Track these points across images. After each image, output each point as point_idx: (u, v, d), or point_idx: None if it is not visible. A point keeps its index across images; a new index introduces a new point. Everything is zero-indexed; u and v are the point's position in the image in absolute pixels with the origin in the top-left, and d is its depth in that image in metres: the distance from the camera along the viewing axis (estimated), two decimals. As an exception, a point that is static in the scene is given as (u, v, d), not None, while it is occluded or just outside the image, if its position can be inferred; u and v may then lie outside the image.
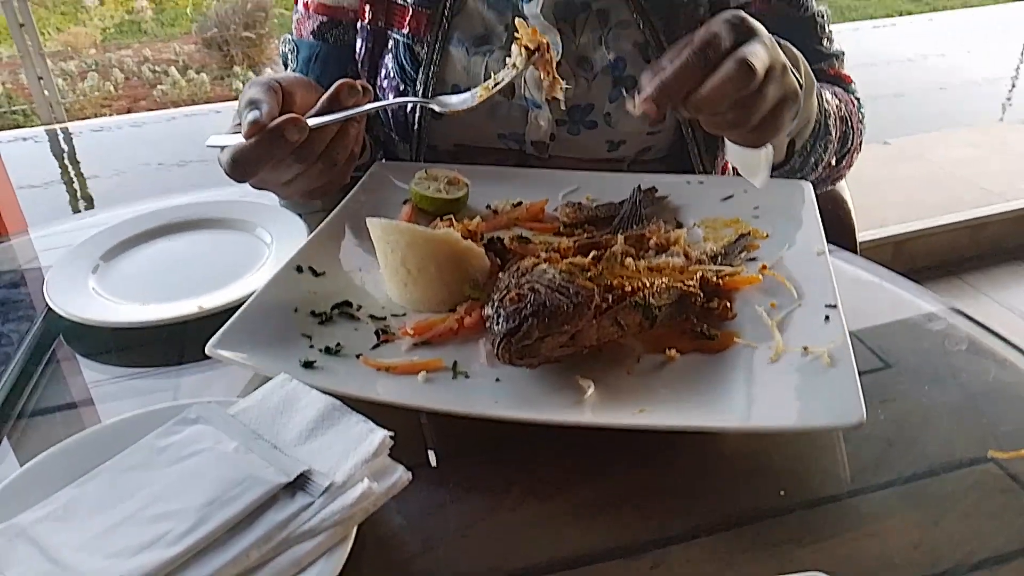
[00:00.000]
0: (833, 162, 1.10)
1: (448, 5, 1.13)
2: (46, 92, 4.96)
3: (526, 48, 0.91)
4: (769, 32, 0.85)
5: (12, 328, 0.91)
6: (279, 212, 1.08)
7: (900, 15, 7.64)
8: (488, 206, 1.03)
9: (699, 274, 0.82)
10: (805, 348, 0.72)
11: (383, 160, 1.29)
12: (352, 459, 0.60)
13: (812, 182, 1.04)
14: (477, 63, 1.12)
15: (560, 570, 0.60)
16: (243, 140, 0.85)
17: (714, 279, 0.82)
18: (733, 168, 1.25)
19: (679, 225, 0.97)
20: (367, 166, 1.12)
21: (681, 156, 1.17)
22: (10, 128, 5.36)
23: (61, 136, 4.90)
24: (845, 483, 0.66)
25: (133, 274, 0.99)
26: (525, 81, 1.11)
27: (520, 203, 1.02)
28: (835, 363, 0.69)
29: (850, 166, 1.20)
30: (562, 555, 0.61)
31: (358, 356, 0.76)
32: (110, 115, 5.71)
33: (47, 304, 0.90)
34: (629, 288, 0.75)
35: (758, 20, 0.83)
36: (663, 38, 1.09)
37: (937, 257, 3.30)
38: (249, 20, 6.37)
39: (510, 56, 0.95)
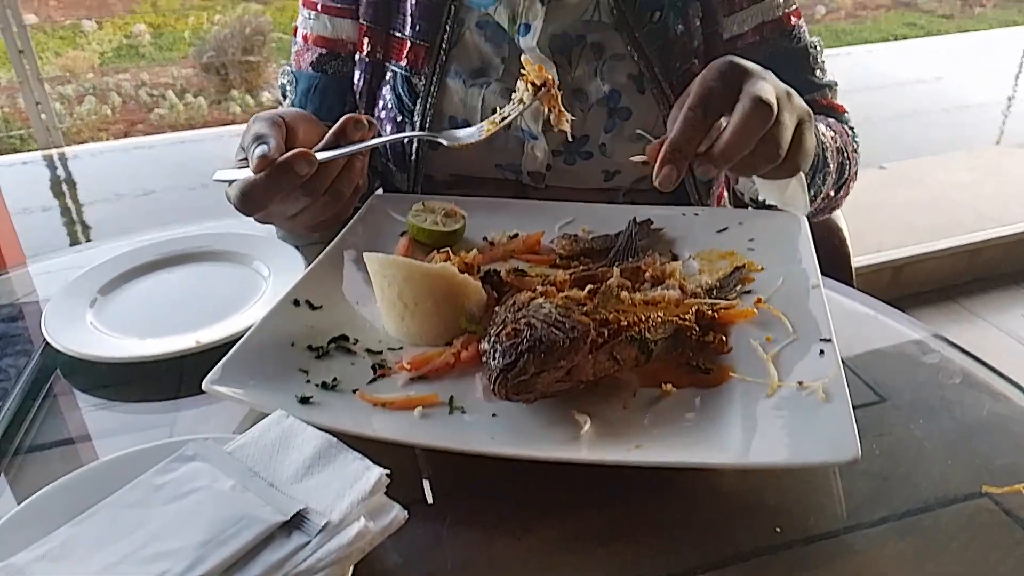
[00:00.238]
0: (832, 193, 1.11)
1: (446, 38, 1.14)
2: (43, 116, 4.97)
3: (532, 84, 0.92)
4: (762, 63, 0.86)
5: (10, 363, 0.92)
6: (276, 244, 1.09)
7: (895, 39, 7.69)
8: (485, 238, 1.04)
9: (695, 307, 0.82)
10: (800, 383, 0.72)
11: (381, 189, 1.30)
12: (348, 497, 0.60)
13: (811, 214, 1.05)
14: (474, 95, 1.14)
15: (556, 608, 0.60)
16: (252, 174, 0.86)
17: (709, 313, 0.82)
18: (731, 198, 1.26)
19: (675, 257, 0.97)
20: (366, 196, 1.13)
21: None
22: (7, 152, 5.37)
23: (58, 160, 4.91)
24: (841, 519, 0.66)
25: (131, 308, 0.99)
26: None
27: (516, 235, 1.03)
28: (830, 398, 0.69)
29: (847, 195, 1.21)
30: (558, 593, 0.61)
31: (355, 391, 0.76)
32: (107, 139, 5.73)
33: (45, 339, 0.90)
34: (625, 322, 0.76)
35: (751, 52, 0.85)
36: (657, 70, 1.10)
37: (935, 281, 3.31)
38: (247, 44, 6.40)
39: (515, 91, 0.96)
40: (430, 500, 0.70)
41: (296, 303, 0.88)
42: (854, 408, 0.67)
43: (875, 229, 3.40)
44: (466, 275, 0.85)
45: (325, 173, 0.89)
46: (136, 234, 1.16)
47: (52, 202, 4.45)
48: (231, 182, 0.89)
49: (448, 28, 1.14)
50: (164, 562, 0.57)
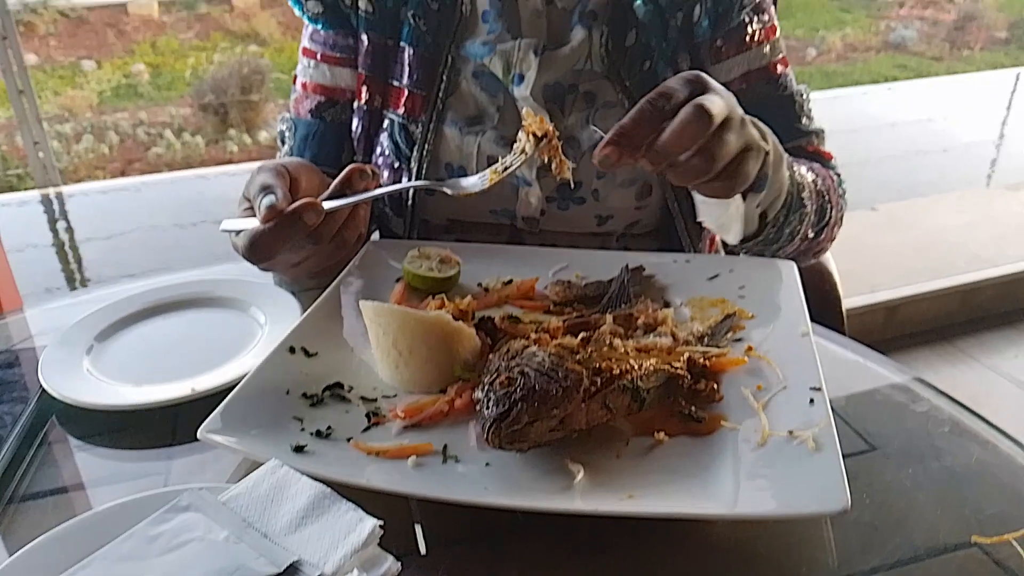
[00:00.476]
0: (811, 235, 1.12)
1: (442, 87, 1.16)
2: (41, 155, 5.00)
3: (534, 135, 0.94)
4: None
5: (5, 410, 0.92)
6: (273, 291, 1.09)
7: (886, 81, 7.79)
8: (479, 284, 1.05)
9: (686, 355, 0.83)
10: (791, 432, 0.72)
11: (377, 233, 1.31)
12: (342, 549, 0.61)
13: (792, 255, 1.06)
14: (470, 142, 1.15)
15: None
16: (260, 224, 0.88)
17: (701, 360, 0.83)
18: (713, 240, 1.28)
19: (666, 304, 0.98)
20: (363, 240, 1.14)
21: (668, 231, 1.20)
22: (5, 191, 5.40)
23: (55, 199, 4.93)
24: (832, 569, 0.67)
25: (127, 354, 1.00)
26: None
27: (511, 281, 1.04)
28: (820, 448, 0.70)
29: (831, 240, 1.22)
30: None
31: (349, 439, 0.77)
32: (104, 177, 5.75)
33: (41, 386, 0.91)
34: (618, 370, 0.76)
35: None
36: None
37: (928, 322, 3.32)
38: (245, 84, 6.46)
39: (516, 141, 0.98)
40: (423, 550, 0.70)
41: (292, 350, 0.89)
42: (844, 457, 0.67)
43: (868, 270, 3.43)
44: (460, 322, 0.86)
45: (331, 221, 0.91)
46: (133, 279, 1.17)
47: (49, 240, 4.47)
48: (238, 232, 0.91)
49: (445, 78, 1.16)
50: (157, 614, 0.57)
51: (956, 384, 2.97)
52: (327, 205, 0.89)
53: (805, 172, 1.09)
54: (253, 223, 0.89)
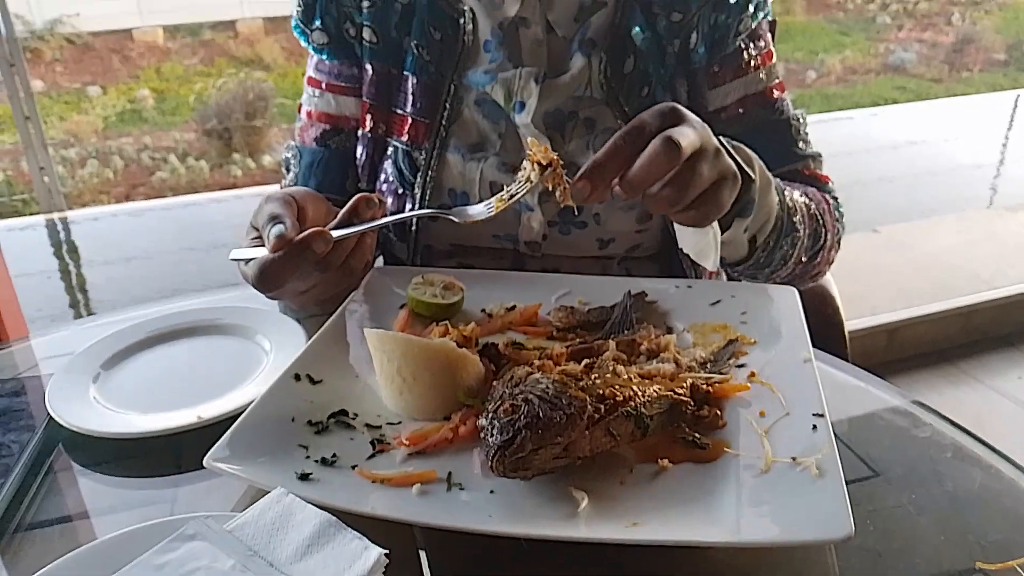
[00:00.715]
0: (805, 258, 1.13)
1: (445, 115, 1.18)
2: (46, 179, 5.03)
3: (539, 164, 0.95)
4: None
5: (13, 439, 0.92)
6: (278, 318, 1.10)
7: (886, 103, 7.82)
8: (483, 310, 1.05)
9: (689, 381, 0.83)
10: (794, 459, 0.73)
11: (381, 259, 1.32)
12: (347, 578, 0.61)
13: (787, 279, 1.06)
14: (472, 169, 1.17)
15: None
16: (269, 253, 0.89)
17: (704, 386, 0.84)
18: (705, 269, 1.28)
19: (669, 330, 0.99)
20: (369, 267, 1.14)
21: (670, 254, 1.21)
22: (10, 215, 5.42)
23: (59, 224, 4.95)
24: (836, 597, 0.67)
25: (134, 382, 1.00)
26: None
27: (514, 307, 1.05)
28: (823, 474, 0.70)
29: (828, 263, 1.23)
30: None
31: (353, 467, 0.77)
32: (108, 202, 5.78)
33: (48, 414, 0.91)
34: (621, 397, 0.77)
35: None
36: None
37: (930, 344, 3.32)
38: (250, 109, 6.51)
39: (521, 170, 0.98)
40: (428, 578, 0.71)
41: (297, 377, 0.89)
42: (847, 483, 0.68)
43: (869, 292, 3.43)
44: (464, 349, 0.86)
45: (339, 250, 0.93)
46: (138, 306, 1.18)
47: (54, 265, 4.48)
48: (247, 260, 0.92)
49: (448, 105, 1.18)
50: (164, 644, 0.58)
51: (959, 406, 2.96)
52: (335, 234, 0.91)
53: (798, 196, 1.10)
54: (262, 252, 0.90)
